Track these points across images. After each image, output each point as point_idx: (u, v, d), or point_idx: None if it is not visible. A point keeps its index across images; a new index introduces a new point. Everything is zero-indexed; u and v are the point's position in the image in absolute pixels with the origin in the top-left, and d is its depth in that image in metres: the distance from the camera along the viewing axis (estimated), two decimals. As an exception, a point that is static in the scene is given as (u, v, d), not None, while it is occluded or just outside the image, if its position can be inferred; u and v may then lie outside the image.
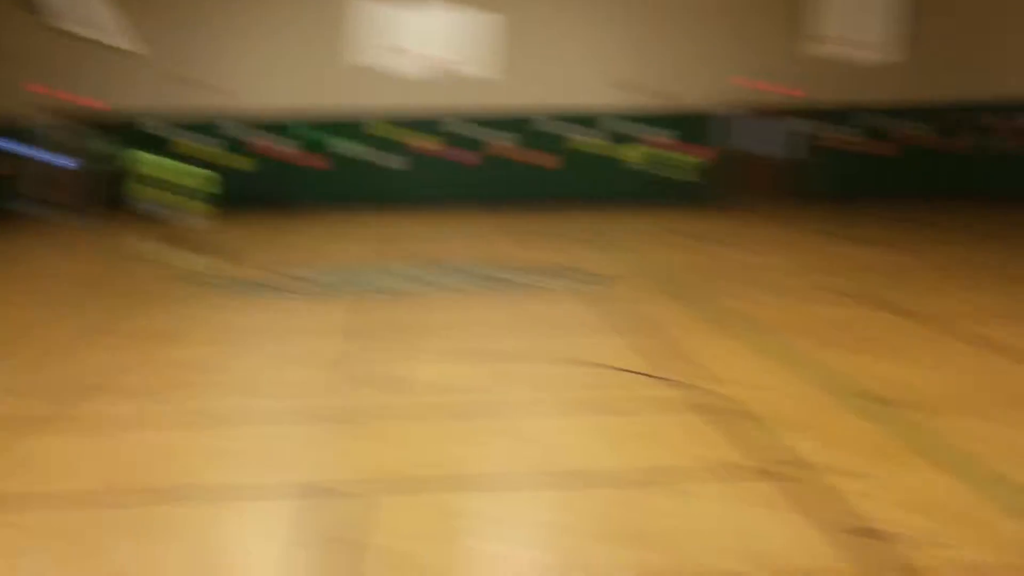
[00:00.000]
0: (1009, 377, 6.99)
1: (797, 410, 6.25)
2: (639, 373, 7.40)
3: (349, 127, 25.63)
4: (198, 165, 16.18)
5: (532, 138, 25.63)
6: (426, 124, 25.67)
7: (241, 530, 4.55)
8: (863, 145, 25.75)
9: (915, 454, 5.34)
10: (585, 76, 25.16)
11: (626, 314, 9.90)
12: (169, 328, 9.58)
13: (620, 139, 25.55)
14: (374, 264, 14.71)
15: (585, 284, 12.08)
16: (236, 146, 25.29)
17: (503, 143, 25.62)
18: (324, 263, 14.91)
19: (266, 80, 25.28)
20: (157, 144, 25.90)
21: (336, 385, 7.35)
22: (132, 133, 25.59)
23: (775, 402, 6.42)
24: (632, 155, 22.62)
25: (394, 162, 25.42)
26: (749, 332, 8.80)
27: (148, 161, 15.62)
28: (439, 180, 25.63)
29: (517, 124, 25.54)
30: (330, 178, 25.65)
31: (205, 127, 25.22)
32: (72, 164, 23.72)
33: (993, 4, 24.56)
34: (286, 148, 25.62)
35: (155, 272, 13.54)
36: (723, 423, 5.98)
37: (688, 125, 25.60)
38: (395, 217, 22.76)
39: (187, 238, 16.03)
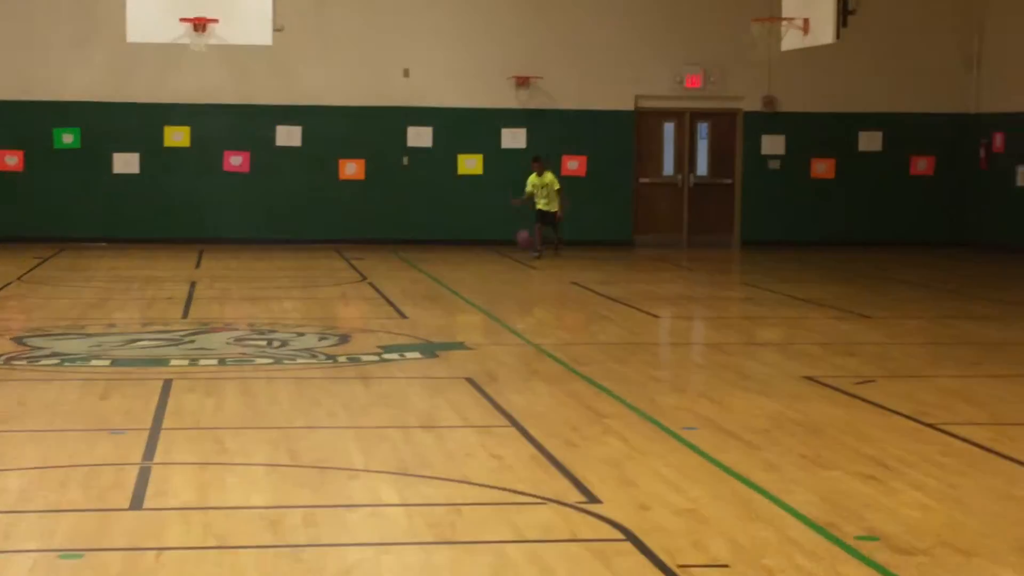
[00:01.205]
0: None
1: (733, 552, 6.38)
2: (508, 490, 7.46)
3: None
4: None
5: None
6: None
7: None
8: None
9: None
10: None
11: (493, 404, 9.96)
12: None
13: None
14: (127, 325, 14.50)
15: (428, 356, 12.17)
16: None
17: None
18: (63, 321, 14.65)
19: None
20: None
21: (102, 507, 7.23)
22: None
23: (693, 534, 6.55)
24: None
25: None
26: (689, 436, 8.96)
27: None
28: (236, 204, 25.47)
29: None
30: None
31: None
32: None
33: None
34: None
35: None
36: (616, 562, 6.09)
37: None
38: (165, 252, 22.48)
39: None
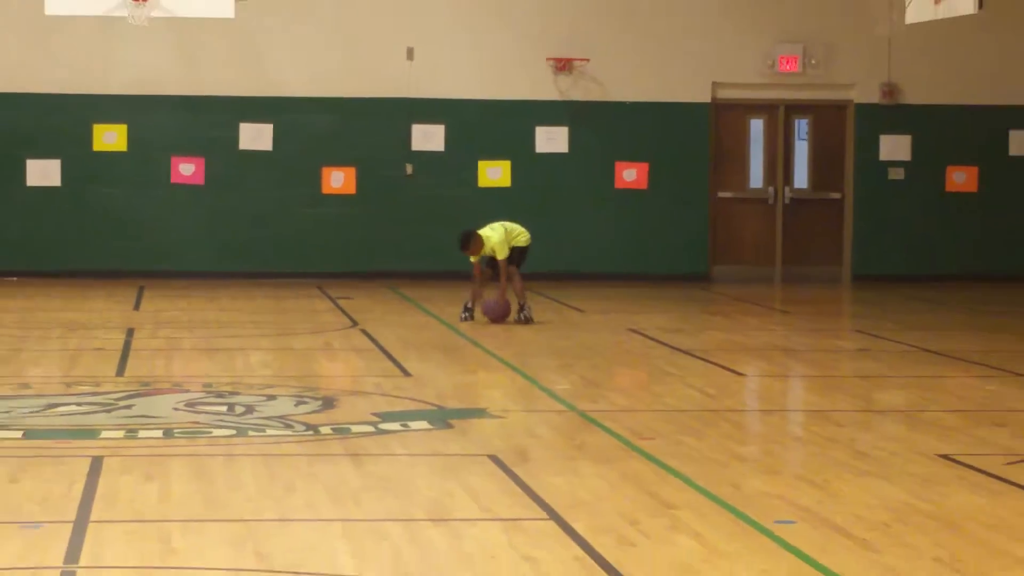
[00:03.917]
0: None
1: None
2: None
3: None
4: None
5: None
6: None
7: None
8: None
9: None
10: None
11: (524, 490, 9.96)
12: None
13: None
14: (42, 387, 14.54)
15: (439, 427, 12.10)
16: None
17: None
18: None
19: None
20: None
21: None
22: None
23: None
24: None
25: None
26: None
27: None
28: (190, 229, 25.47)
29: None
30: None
31: None
32: None
33: None
34: None
35: None
36: None
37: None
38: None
39: None
